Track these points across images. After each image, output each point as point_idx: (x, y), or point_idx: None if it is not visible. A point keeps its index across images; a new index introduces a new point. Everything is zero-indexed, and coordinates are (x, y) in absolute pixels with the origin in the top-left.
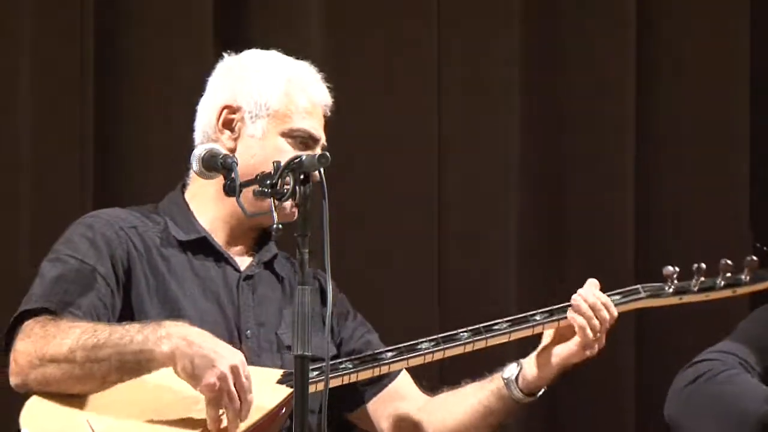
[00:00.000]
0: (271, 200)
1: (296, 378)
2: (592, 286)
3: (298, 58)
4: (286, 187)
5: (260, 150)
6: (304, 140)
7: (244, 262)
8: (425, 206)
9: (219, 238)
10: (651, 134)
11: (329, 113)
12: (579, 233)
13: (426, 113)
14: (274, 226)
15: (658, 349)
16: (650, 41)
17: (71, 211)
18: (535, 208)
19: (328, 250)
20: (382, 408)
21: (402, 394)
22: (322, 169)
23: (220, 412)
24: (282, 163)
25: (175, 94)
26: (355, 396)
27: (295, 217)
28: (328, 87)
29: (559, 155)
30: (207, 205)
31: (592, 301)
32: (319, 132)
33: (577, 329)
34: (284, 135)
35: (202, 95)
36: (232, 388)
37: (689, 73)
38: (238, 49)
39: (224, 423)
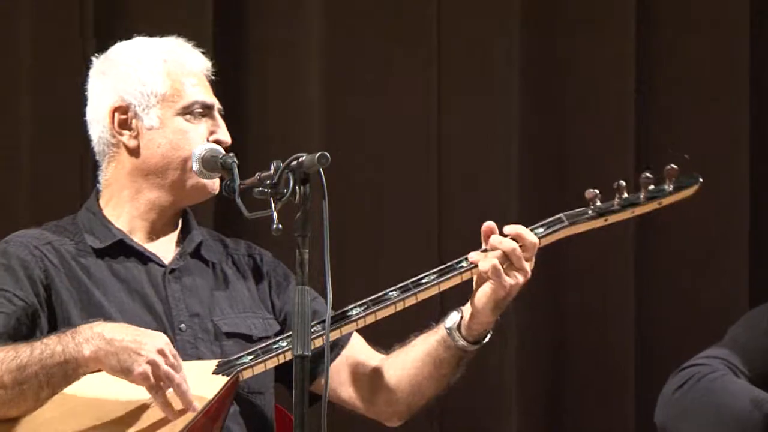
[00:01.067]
0: (271, 200)
1: (296, 378)
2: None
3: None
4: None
5: (163, 138)
6: (201, 111)
7: (170, 255)
8: (425, 205)
9: (139, 236)
10: (650, 135)
11: (213, 76)
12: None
13: (425, 112)
14: (274, 226)
15: (658, 350)
16: (650, 41)
17: (71, 208)
18: (534, 207)
19: (328, 250)
20: (337, 376)
21: (355, 359)
22: (321, 169)
23: (166, 395)
24: (282, 164)
25: None
26: (310, 370)
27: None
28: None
29: (560, 154)
30: (123, 207)
31: (496, 241)
32: (211, 98)
33: (490, 272)
34: (180, 114)
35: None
36: (166, 369)
37: (689, 73)
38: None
39: (175, 404)
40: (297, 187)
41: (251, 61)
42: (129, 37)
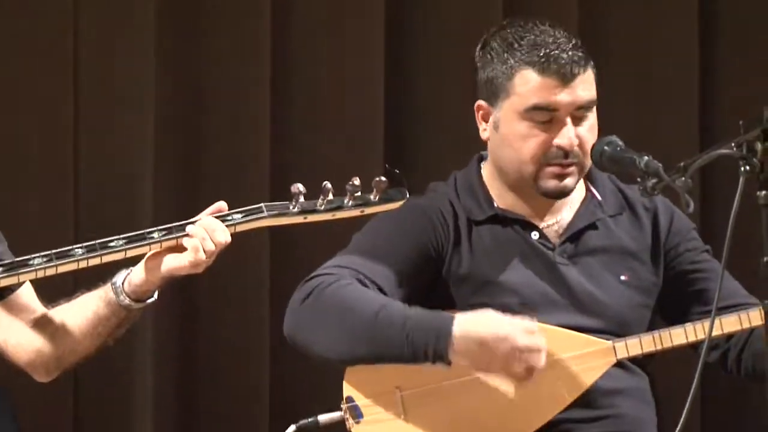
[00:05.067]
0: None
1: None
2: (215, 209)
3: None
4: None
5: None
6: None
7: None
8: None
9: None
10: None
11: None
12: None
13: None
14: None
15: None
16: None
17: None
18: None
19: None
20: None
21: (20, 306)
22: None
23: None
24: None
25: None
26: None
27: None
28: None
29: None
30: None
31: (208, 226)
32: None
33: (190, 249)
34: None
35: None
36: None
37: (325, 35)
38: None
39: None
40: None
41: None
42: None
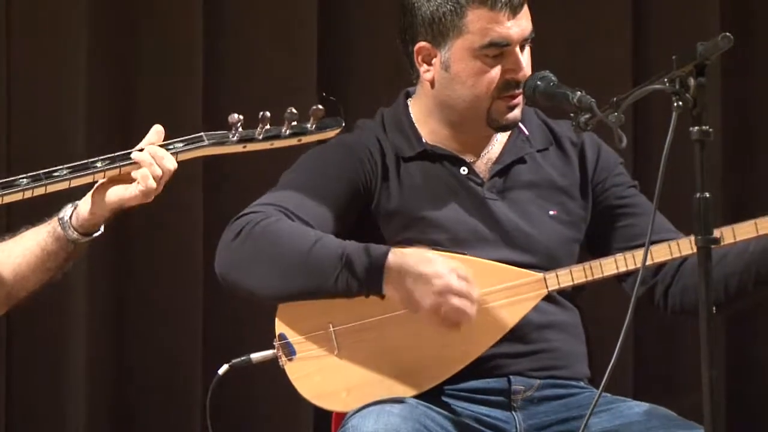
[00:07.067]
0: None
1: None
2: (155, 134)
3: None
4: None
5: None
6: None
7: None
8: None
9: None
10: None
11: None
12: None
13: None
14: None
15: None
16: None
17: None
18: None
19: None
20: None
21: None
22: None
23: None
24: None
25: None
26: None
27: None
28: None
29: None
30: None
31: (156, 153)
32: None
33: (140, 178)
34: None
35: None
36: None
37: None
38: None
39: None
40: None
41: None
42: None
